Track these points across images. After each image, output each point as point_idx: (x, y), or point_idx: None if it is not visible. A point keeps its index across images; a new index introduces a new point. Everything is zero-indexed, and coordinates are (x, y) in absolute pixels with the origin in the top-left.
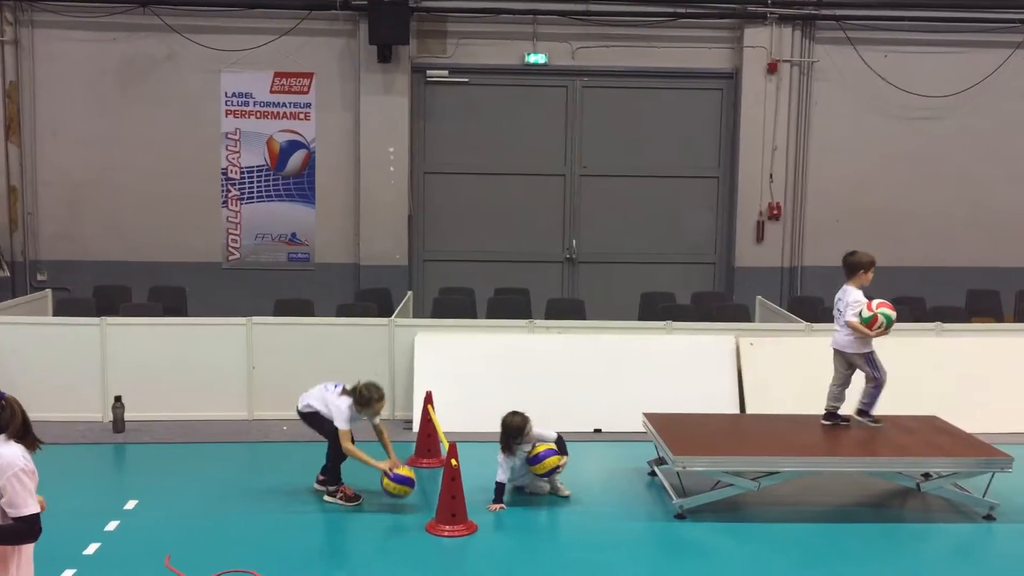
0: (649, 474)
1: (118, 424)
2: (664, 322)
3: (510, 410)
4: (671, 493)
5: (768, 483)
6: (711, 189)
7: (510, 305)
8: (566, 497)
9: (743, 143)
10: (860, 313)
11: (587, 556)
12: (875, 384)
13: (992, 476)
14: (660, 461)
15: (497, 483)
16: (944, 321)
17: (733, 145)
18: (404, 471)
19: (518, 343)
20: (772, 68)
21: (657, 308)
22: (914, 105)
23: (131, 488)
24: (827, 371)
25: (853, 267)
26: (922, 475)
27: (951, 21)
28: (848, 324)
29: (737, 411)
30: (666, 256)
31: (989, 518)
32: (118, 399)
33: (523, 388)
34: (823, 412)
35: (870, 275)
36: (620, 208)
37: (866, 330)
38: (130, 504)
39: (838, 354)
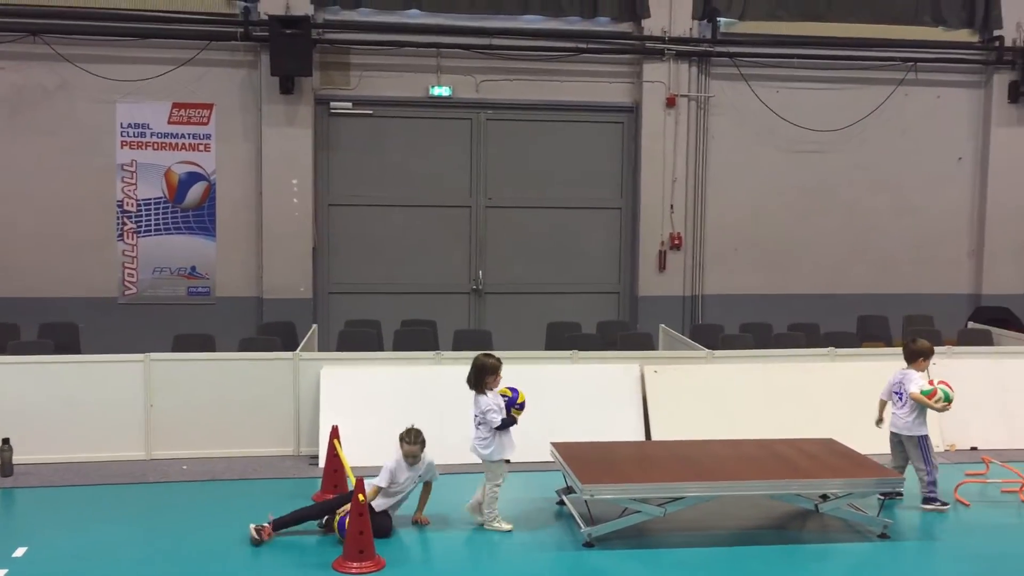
0: (558, 503)
1: (6, 468)
2: (570, 351)
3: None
4: (579, 522)
5: (674, 508)
6: (614, 220)
7: (417, 337)
8: (508, 531)
9: (644, 175)
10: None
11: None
12: (929, 479)
13: (885, 496)
14: (568, 490)
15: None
16: (837, 346)
17: (635, 177)
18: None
19: (425, 375)
20: (671, 102)
21: (563, 338)
22: (805, 139)
23: (20, 534)
24: (728, 396)
25: (915, 354)
26: (820, 496)
27: (838, 59)
28: (911, 395)
29: (643, 438)
30: (571, 286)
31: (884, 537)
32: (6, 441)
33: (431, 420)
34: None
35: (929, 363)
36: (526, 239)
37: (928, 400)
38: (19, 551)
39: (896, 441)
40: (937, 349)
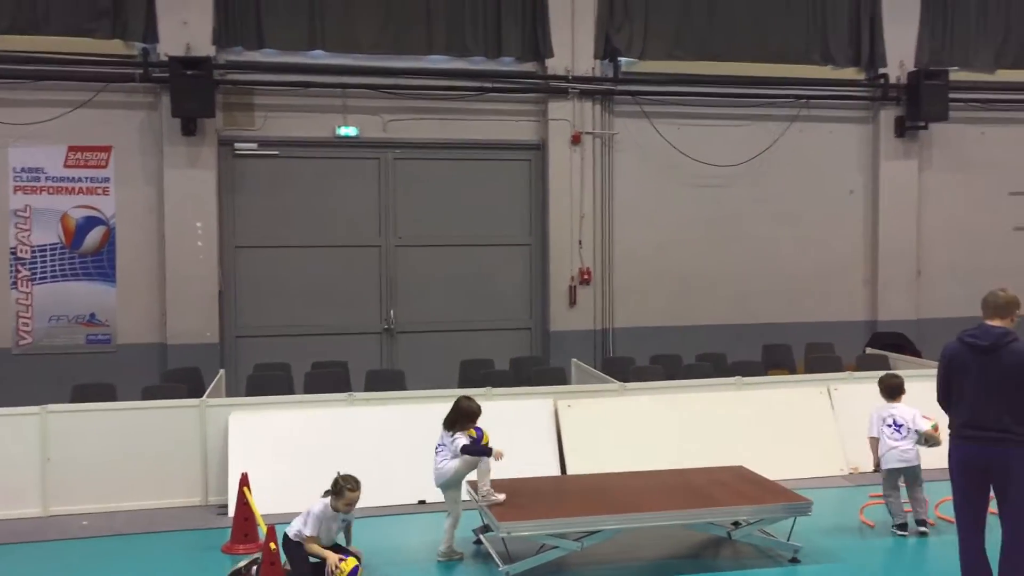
0: (475, 542)
1: None
2: (484, 388)
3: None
4: (497, 560)
5: (591, 542)
6: (524, 256)
7: (328, 379)
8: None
9: (552, 211)
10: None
11: None
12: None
13: (795, 520)
14: (485, 528)
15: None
16: (744, 375)
17: (543, 213)
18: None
19: (338, 417)
20: (576, 140)
21: (476, 375)
22: (707, 173)
23: None
24: (641, 427)
25: (898, 389)
26: (732, 523)
27: (735, 97)
28: (930, 433)
29: (558, 472)
30: (483, 323)
31: (794, 561)
32: None
33: (345, 463)
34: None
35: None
36: (437, 277)
37: (936, 433)
38: None
39: (897, 474)
40: (838, 375)
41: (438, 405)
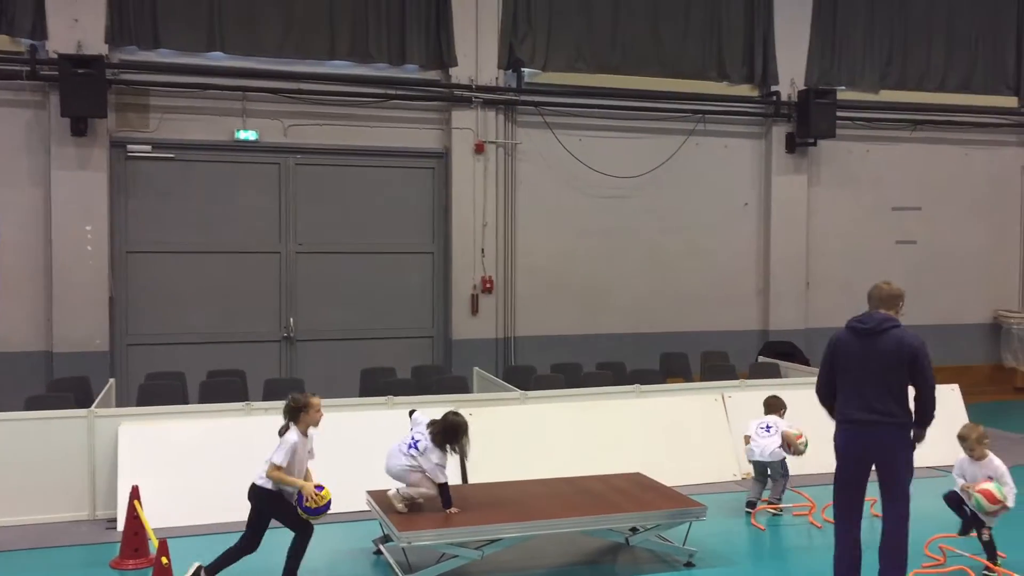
0: (375, 553)
1: None
2: (385, 397)
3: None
4: (397, 570)
5: (491, 550)
6: (427, 264)
7: (225, 388)
8: None
9: (455, 219)
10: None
11: None
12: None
13: (690, 525)
14: (385, 539)
15: (440, 484)
16: (642, 383)
17: (446, 221)
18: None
19: (235, 427)
20: (479, 149)
21: (378, 383)
22: (607, 184)
23: None
24: (542, 435)
25: (777, 407)
26: (630, 529)
27: (634, 110)
28: (787, 435)
29: (459, 481)
30: (385, 331)
31: (689, 565)
32: None
33: (242, 474)
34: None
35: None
36: (338, 284)
37: (798, 440)
38: None
39: (757, 465)
40: (732, 383)
41: (339, 414)
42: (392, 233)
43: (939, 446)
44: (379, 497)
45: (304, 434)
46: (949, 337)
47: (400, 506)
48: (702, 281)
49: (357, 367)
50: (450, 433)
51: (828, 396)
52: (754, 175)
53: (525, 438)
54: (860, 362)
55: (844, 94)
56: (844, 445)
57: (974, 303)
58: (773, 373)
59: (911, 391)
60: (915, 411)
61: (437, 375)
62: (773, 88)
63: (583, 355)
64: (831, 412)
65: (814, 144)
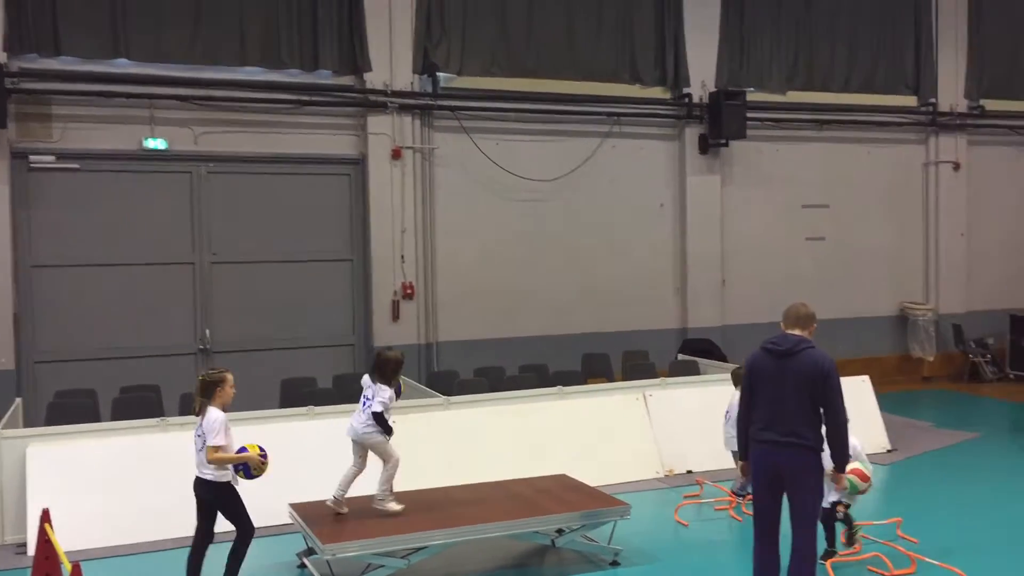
0: (299, 567)
1: None
2: (306, 408)
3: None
4: None
5: (418, 558)
6: (345, 272)
7: (139, 404)
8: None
9: (374, 226)
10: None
11: None
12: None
13: (615, 524)
14: (309, 551)
15: (376, 413)
16: (565, 385)
17: (364, 228)
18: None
19: (150, 444)
20: (396, 154)
21: (299, 394)
22: (525, 188)
23: None
24: (466, 440)
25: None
26: (556, 531)
27: (550, 113)
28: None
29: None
30: (305, 340)
31: (615, 564)
32: None
33: (159, 491)
34: None
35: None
36: (255, 295)
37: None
38: None
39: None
40: (652, 381)
41: (258, 426)
42: (309, 241)
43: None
44: (303, 509)
45: (225, 407)
46: (858, 330)
47: (397, 508)
48: (621, 281)
49: (277, 378)
50: (381, 366)
51: (746, 420)
52: (669, 176)
53: (450, 443)
54: (774, 383)
55: (753, 95)
56: (756, 465)
57: (881, 296)
58: (692, 371)
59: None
60: (825, 433)
61: (359, 383)
62: (685, 90)
63: (505, 358)
64: (742, 438)
65: (726, 145)
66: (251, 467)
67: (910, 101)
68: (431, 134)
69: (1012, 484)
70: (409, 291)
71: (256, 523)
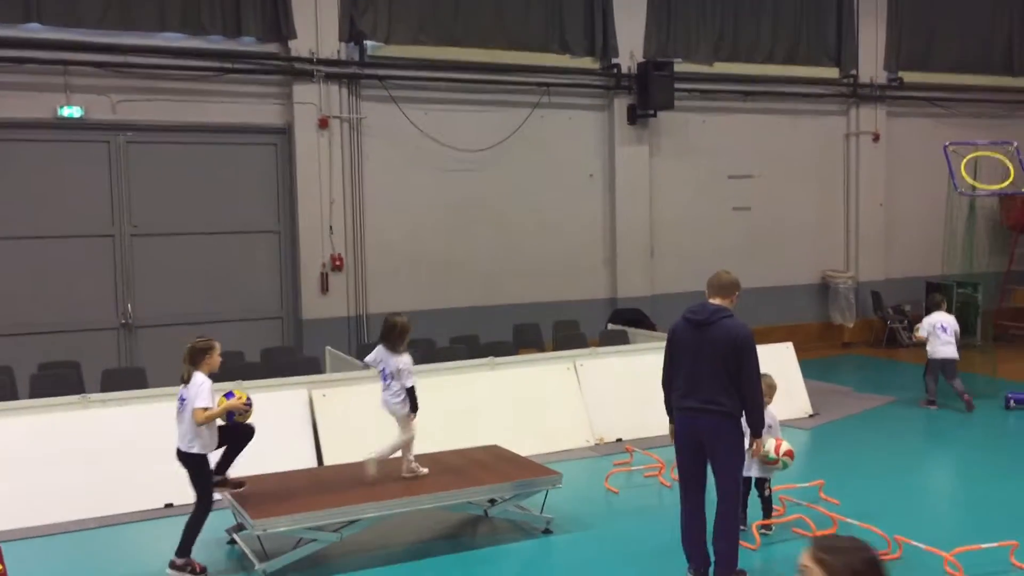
0: (228, 543)
1: None
2: (234, 382)
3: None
4: (253, 559)
5: (350, 532)
6: (273, 244)
7: (58, 381)
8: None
9: (301, 197)
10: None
11: None
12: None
13: (547, 493)
14: (239, 527)
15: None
16: (496, 355)
17: (291, 199)
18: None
19: (71, 421)
20: (323, 124)
21: (226, 368)
22: (455, 158)
23: None
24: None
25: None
26: (489, 501)
27: (479, 83)
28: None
29: (315, 464)
30: (232, 314)
31: (547, 532)
32: None
33: (82, 469)
34: None
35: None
36: (179, 267)
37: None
38: None
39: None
40: (583, 351)
41: None
42: (235, 213)
43: (777, 403)
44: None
45: (212, 374)
46: (782, 298)
47: (423, 470)
48: (551, 252)
49: None
50: (388, 332)
51: (668, 385)
52: (598, 146)
53: (381, 416)
54: (692, 352)
55: (681, 66)
56: (678, 432)
57: (804, 265)
58: (622, 340)
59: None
60: (743, 400)
61: (288, 357)
62: (613, 61)
63: (436, 330)
64: (667, 403)
65: (654, 115)
66: (235, 413)
67: (832, 73)
68: (359, 103)
69: (928, 446)
70: (338, 263)
71: (183, 500)
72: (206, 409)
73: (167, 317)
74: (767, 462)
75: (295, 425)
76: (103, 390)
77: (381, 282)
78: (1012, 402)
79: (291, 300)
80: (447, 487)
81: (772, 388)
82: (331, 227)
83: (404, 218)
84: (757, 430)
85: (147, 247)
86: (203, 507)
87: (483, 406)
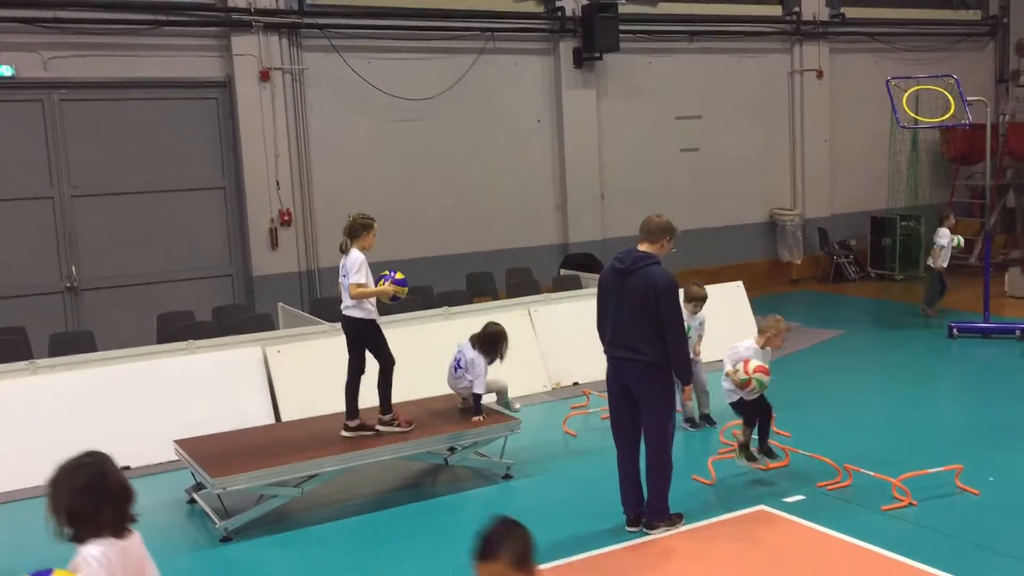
0: (188, 502)
1: None
2: (186, 342)
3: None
4: (214, 517)
5: (311, 486)
6: (218, 200)
7: (4, 347)
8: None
9: (245, 152)
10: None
11: None
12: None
13: (506, 439)
14: (199, 487)
15: (476, 394)
16: (450, 305)
17: (235, 154)
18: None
19: (18, 389)
20: (264, 76)
21: (176, 328)
22: (401, 107)
23: None
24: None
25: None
26: (448, 449)
27: (423, 30)
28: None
29: (273, 421)
30: (180, 273)
31: (507, 477)
32: None
33: (31, 438)
34: None
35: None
36: (123, 228)
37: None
38: None
39: None
40: (536, 297)
41: (136, 363)
42: (178, 170)
43: (731, 341)
44: (189, 445)
45: (364, 248)
46: (732, 237)
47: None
48: (501, 199)
49: (152, 313)
50: (488, 342)
51: (601, 332)
52: (545, 91)
53: (337, 370)
54: (616, 300)
55: (625, 8)
56: (608, 379)
57: (752, 203)
58: (575, 285)
59: None
60: (667, 349)
61: (240, 314)
62: (558, 4)
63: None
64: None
65: (600, 58)
66: (396, 295)
67: (775, 11)
68: (300, 54)
69: (876, 377)
70: (287, 218)
71: (140, 462)
72: (360, 285)
73: (113, 279)
74: (741, 385)
75: (250, 383)
76: (51, 355)
77: (331, 236)
78: (955, 331)
79: (240, 257)
80: (407, 437)
81: (780, 331)
82: (278, 182)
83: (352, 170)
84: (685, 379)
85: (89, 208)
86: (386, 364)
87: (440, 356)
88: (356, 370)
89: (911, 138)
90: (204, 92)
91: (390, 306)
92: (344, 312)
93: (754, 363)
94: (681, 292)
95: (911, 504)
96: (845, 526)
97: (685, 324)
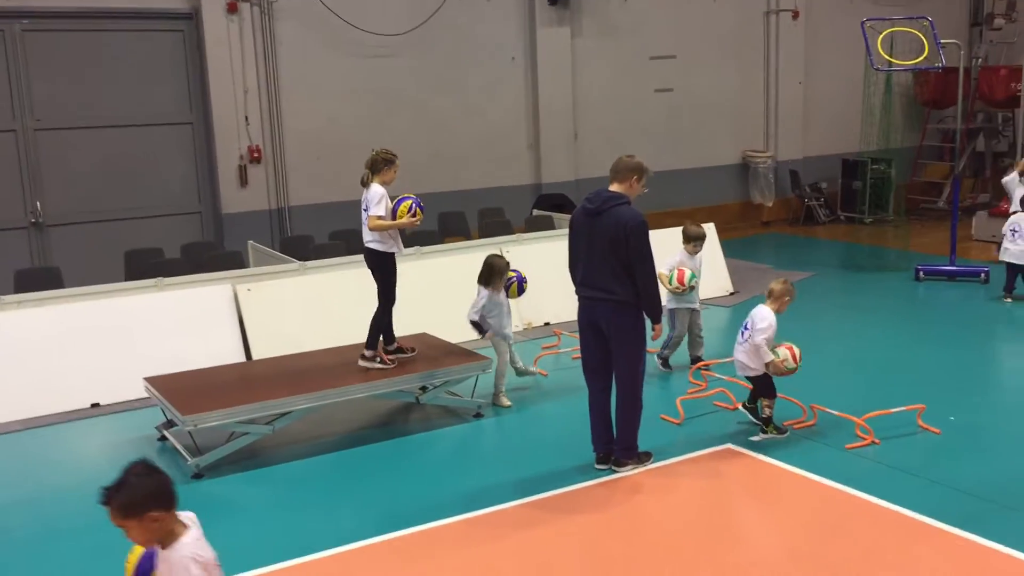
0: (159, 439)
1: None
2: (155, 279)
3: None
4: (185, 454)
5: (282, 424)
6: (186, 136)
7: None
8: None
9: (213, 86)
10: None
11: (105, 539)
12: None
13: (477, 378)
14: (169, 424)
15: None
16: (422, 245)
17: (203, 89)
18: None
19: None
20: (232, 8)
21: (145, 265)
22: (373, 43)
23: None
24: (325, 304)
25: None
26: (420, 388)
27: None
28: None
29: (244, 359)
30: (148, 210)
31: (478, 416)
32: None
33: (3, 373)
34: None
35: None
36: (89, 162)
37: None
38: None
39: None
40: (508, 237)
41: (105, 300)
42: (144, 104)
43: (703, 281)
44: (159, 383)
45: (387, 183)
46: (704, 178)
47: (507, 403)
48: (474, 138)
49: (119, 249)
50: (484, 272)
51: (572, 272)
52: (519, 29)
53: (308, 309)
54: (587, 240)
55: None
56: (579, 319)
57: (725, 145)
58: (547, 225)
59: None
60: (637, 289)
61: (209, 252)
62: None
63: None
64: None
65: None
66: (415, 217)
67: None
68: None
69: (845, 317)
70: (256, 155)
71: (108, 399)
72: (379, 218)
73: (79, 214)
74: (786, 372)
75: (221, 321)
76: (17, 291)
77: (301, 173)
78: (922, 273)
79: (209, 194)
80: (378, 376)
81: (788, 292)
82: (247, 117)
83: (322, 106)
84: (655, 318)
85: (53, 141)
86: (387, 301)
87: (412, 295)
88: (384, 304)
89: (884, 81)
90: (171, 24)
91: (361, 246)
92: (367, 245)
93: (796, 350)
94: (680, 232)
95: (874, 443)
96: (809, 463)
97: (688, 271)
